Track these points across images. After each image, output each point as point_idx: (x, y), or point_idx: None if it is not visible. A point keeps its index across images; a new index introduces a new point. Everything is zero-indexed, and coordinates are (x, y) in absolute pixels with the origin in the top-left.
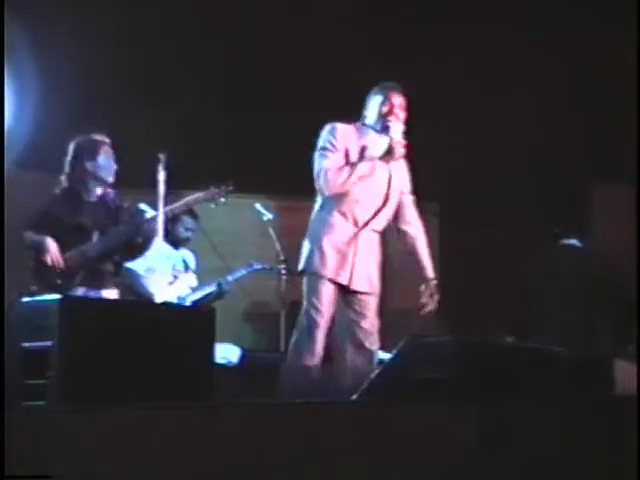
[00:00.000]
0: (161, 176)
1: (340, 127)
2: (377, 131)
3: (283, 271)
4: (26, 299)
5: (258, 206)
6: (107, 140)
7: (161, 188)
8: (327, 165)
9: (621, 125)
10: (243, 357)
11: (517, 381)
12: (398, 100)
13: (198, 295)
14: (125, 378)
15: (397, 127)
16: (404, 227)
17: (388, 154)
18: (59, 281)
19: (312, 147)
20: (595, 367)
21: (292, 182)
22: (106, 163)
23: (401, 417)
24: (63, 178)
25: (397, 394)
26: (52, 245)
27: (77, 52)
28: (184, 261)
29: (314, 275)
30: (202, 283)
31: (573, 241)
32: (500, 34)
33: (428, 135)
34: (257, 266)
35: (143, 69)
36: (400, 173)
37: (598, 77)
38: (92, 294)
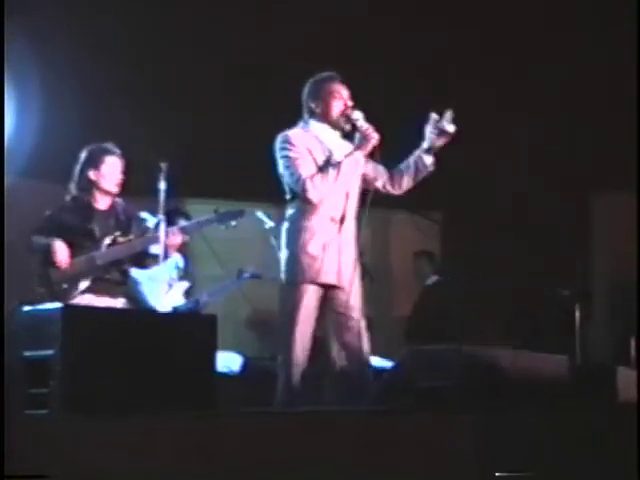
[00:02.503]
0: (162, 185)
1: (292, 133)
2: (335, 127)
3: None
4: (27, 308)
5: (260, 214)
6: (116, 150)
7: (162, 197)
8: (306, 173)
9: (621, 132)
10: (245, 365)
11: (517, 389)
12: (345, 91)
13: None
14: (127, 387)
15: (358, 115)
16: (383, 183)
17: (363, 143)
18: (65, 285)
19: None
20: (596, 374)
21: None
22: (109, 173)
23: (403, 425)
24: (72, 186)
25: (398, 403)
26: (62, 247)
27: (78, 61)
28: (177, 266)
29: (299, 283)
30: (198, 291)
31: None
32: (499, 39)
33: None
34: (246, 274)
35: (144, 78)
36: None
37: (599, 83)
38: (98, 302)
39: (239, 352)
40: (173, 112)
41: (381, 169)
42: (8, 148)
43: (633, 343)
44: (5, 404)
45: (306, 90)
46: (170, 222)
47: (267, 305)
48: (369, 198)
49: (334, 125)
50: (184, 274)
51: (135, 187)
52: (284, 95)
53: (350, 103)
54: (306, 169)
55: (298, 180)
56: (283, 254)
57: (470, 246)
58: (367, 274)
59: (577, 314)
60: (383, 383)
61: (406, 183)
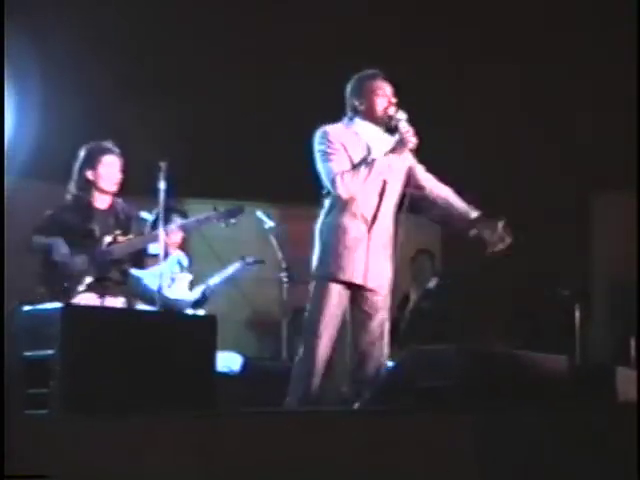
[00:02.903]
0: (162, 184)
1: (330, 129)
2: (378, 123)
3: (285, 279)
4: (27, 307)
5: (259, 214)
6: (114, 149)
7: (162, 196)
8: (337, 169)
9: (621, 132)
10: (245, 365)
11: (517, 389)
12: (388, 88)
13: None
14: (127, 387)
15: (402, 116)
16: (419, 193)
17: (400, 146)
18: (66, 284)
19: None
20: (596, 374)
21: (294, 190)
22: (107, 173)
23: (403, 425)
24: (72, 184)
25: (399, 402)
26: (63, 246)
27: (78, 61)
28: (179, 262)
29: (325, 279)
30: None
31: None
32: (499, 39)
33: (430, 140)
34: (249, 259)
35: (144, 77)
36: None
37: (599, 83)
38: (99, 301)
39: (239, 352)
40: (173, 112)
41: (430, 184)
42: (8, 148)
43: (633, 343)
44: (5, 404)
45: (349, 87)
46: (167, 220)
47: (267, 305)
48: (407, 200)
49: (378, 122)
50: (187, 271)
51: (135, 187)
52: (285, 95)
53: (394, 100)
54: (338, 165)
55: (328, 175)
56: (315, 249)
57: (470, 246)
58: None
59: (577, 314)
60: (383, 383)
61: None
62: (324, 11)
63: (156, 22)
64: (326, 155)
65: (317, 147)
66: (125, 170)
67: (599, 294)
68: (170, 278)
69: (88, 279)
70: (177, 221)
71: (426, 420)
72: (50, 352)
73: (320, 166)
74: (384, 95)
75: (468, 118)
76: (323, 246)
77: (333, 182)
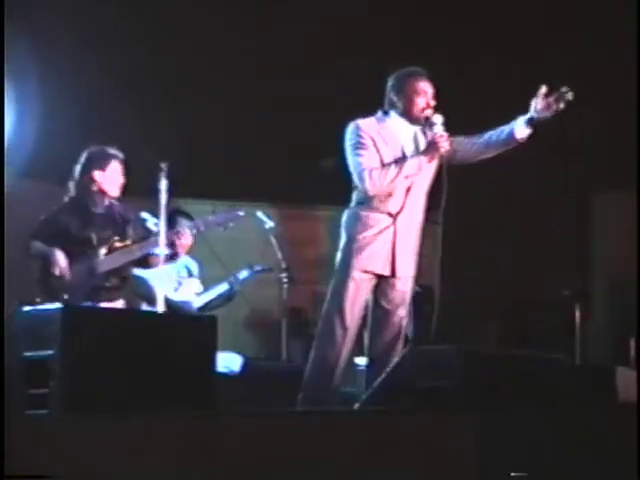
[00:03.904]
0: (163, 185)
1: (362, 123)
2: (414, 122)
3: (284, 279)
4: (27, 308)
5: (259, 214)
6: (120, 155)
7: (163, 197)
8: (367, 164)
9: (621, 132)
10: (245, 365)
11: (517, 389)
12: (430, 89)
13: (210, 296)
14: (127, 387)
15: (438, 119)
16: (460, 156)
17: (431, 149)
18: (65, 296)
19: (313, 155)
20: (596, 374)
21: (294, 190)
22: (113, 176)
23: (403, 425)
24: (71, 185)
25: (399, 402)
26: (61, 258)
27: (78, 62)
28: (187, 267)
29: (348, 270)
30: (206, 289)
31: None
32: (499, 38)
33: None
34: (258, 267)
35: (145, 78)
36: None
37: (599, 83)
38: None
39: (239, 352)
40: (173, 112)
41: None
42: (8, 148)
43: (633, 343)
44: (5, 404)
45: (389, 83)
46: (173, 223)
47: (267, 306)
48: (443, 198)
49: (413, 121)
50: (196, 277)
51: (135, 188)
52: (285, 95)
53: (433, 102)
54: (368, 160)
55: (357, 169)
56: (340, 241)
57: (470, 246)
58: None
59: (577, 314)
60: (383, 383)
61: (481, 150)
62: (324, 11)
63: (156, 22)
64: (357, 149)
65: (348, 140)
66: (126, 172)
67: (599, 294)
68: (177, 282)
69: (87, 289)
70: (183, 223)
71: (426, 420)
72: (50, 352)
73: (350, 159)
74: (424, 95)
75: (467, 118)
76: (348, 238)
77: (361, 177)
